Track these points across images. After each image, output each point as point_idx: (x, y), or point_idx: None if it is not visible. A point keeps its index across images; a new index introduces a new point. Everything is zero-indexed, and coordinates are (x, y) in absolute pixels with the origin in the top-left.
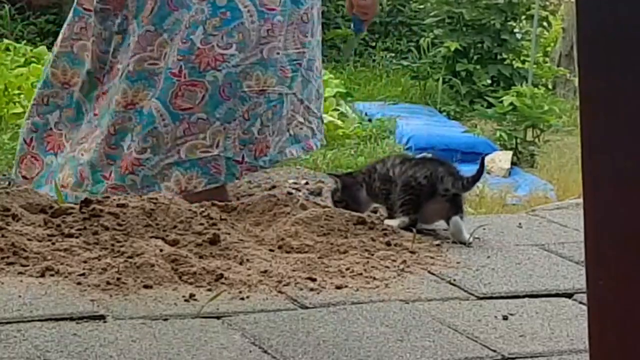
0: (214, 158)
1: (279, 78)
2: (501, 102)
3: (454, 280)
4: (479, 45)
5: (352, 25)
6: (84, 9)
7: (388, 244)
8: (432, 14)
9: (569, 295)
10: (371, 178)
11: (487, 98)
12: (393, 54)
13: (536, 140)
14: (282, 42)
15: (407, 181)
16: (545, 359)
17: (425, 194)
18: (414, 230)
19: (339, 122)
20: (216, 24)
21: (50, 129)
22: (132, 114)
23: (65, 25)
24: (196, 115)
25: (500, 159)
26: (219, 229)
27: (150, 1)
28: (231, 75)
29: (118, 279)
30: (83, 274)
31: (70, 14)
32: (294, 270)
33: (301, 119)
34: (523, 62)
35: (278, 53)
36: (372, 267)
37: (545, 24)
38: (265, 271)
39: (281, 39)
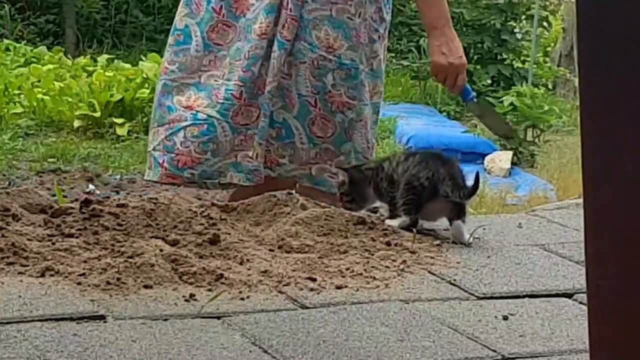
0: (149, 153)
1: (210, 101)
2: (501, 102)
3: (454, 280)
4: (479, 45)
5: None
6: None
7: (388, 244)
8: None
9: (569, 295)
10: (378, 176)
11: (487, 98)
12: (393, 54)
13: (536, 140)
14: (225, 74)
15: (410, 180)
16: (545, 359)
17: (427, 195)
18: (414, 230)
19: None
20: (171, 42)
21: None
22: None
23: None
24: None
25: (500, 159)
26: (219, 229)
27: None
28: (166, 86)
29: (118, 279)
30: (83, 274)
31: (200, 46)
32: (294, 270)
33: (251, 154)
34: (523, 62)
35: (216, 80)
36: (372, 267)
37: (545, 24)
38: (265, 271)
39: (225, 71)
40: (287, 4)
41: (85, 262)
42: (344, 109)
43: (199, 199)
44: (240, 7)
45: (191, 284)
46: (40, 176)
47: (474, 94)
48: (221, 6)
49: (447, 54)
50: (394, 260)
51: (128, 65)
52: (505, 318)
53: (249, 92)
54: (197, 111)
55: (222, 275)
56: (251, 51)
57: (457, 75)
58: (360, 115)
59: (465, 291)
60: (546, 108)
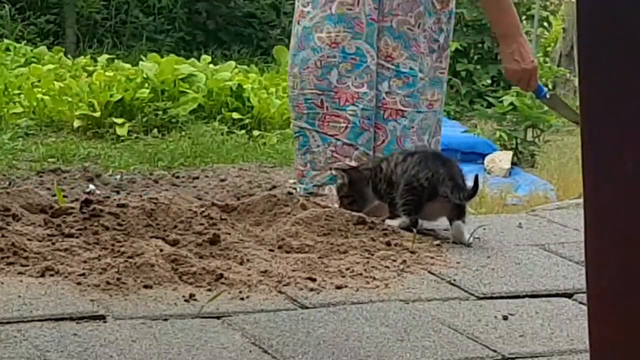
0: None
1: (296, 114)
2: (501, 102)
3: (454, 280)
4: (479, 45)
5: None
6: None
7: (388, 244)
8: None
9: (569, 295)
10: (377, 177)
11: (487, 98)
12: None
13: (536, 140)
14: (297, 84)
15: (409, 181)
16: (545, 359)
17: (427, 195)
18: (414, 230)
19: None
20: None
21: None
22: None
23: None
24: None
25: (500, 159)
26: (219, 229)
27: None
28: None
29: (118, 279)
30: (83, 274)
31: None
32: (294, 270)
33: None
34: None
35: (292, 92)
36: (372, 267)
37: (545, 24)
38: (265, 271)
39: (296, 80)
40: (377, 15)
41: (85, 262)
42: (397, 117)
43: (199, 199)
44: (297, 16)
45: (191, 284)
46: (40, 176)
47: (546, 89)
48: None
49: (520, 60)
50: (394, 260)
51: (128, 65)
52: (505, 318)
53: (330, 101)
54: (293, 125)
55: (222, 275)
56: (323, 60)
57: (530, 77)
58: (413, 122)
59: (465, 291)
60: (546, 108)
